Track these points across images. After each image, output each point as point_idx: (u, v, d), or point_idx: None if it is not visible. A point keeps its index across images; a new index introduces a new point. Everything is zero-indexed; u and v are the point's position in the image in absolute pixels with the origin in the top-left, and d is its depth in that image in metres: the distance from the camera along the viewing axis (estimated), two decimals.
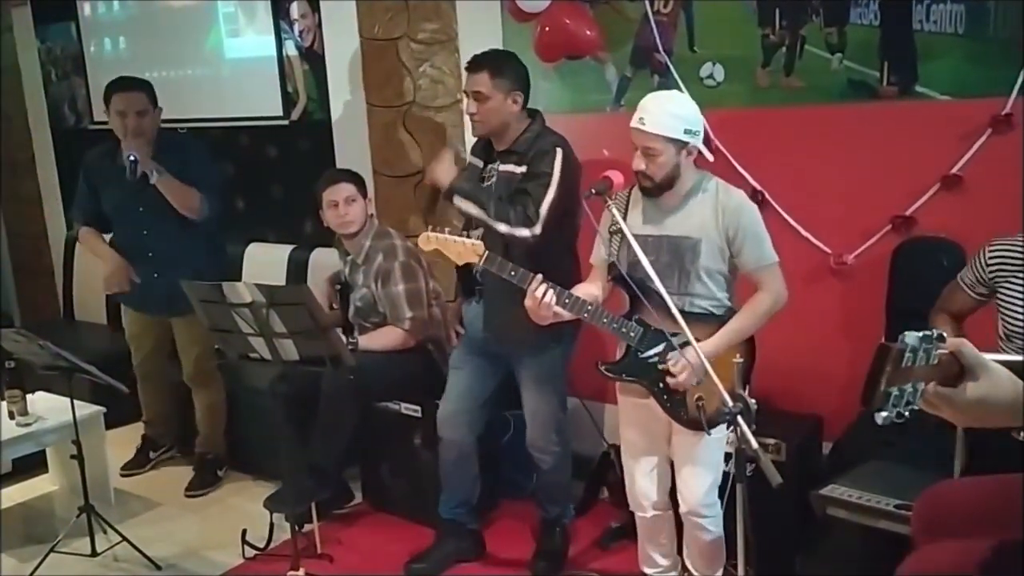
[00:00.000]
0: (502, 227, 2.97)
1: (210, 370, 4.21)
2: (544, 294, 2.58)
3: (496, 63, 3.09)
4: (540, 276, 2.62)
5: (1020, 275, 2.45)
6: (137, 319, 4.24)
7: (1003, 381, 1.30)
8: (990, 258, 2.51)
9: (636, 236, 2.55)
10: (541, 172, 3.01)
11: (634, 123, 2.59)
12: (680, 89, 3.39)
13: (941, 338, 1.27)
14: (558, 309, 2.60)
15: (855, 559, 2.73)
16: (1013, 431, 1.32)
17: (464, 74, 3.21)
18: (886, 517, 2.49)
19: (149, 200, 3.86)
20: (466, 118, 3.29)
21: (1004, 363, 1.34)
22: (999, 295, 2.50)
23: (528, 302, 2.61)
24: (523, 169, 3.05)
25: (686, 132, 2.57)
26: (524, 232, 2.96)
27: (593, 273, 2.84)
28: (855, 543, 2.67)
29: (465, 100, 3.16)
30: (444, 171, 3.10)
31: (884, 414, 1.25)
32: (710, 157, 2.68)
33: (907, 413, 1.25)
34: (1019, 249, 2.46)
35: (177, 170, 3.83)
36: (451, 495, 3.40)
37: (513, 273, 2.67)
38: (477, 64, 3.10)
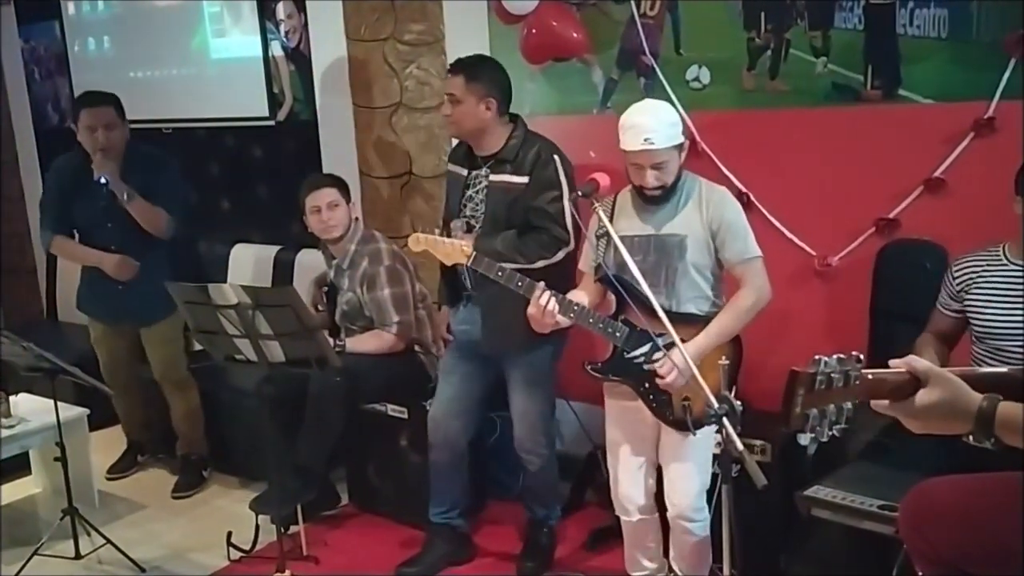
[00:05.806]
0: (540, 263, 2.98)
1: (182, 374, 4.18)
2: (548, 302, 2.60)
3: (473, 68, 3.10)
4: (543, 284, 2.64)
5: (981, 281, 2.61)
6: (101, 327, 4.20)
7: (957, 387, 1.34)
8: (956, 272, 2.67)
9: (623, 237, 2.57)
10: (549, 185, 3.02)
11: (639, 147, 2.58)
12: (666, 92, 3.41)
13: (858, 359, 1.31)
14: (560, 318, 2.62)
15: (839, 559, 2.75)
16: (963, 436, 1.35)
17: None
18: (870, 518, 2.50)
19: (117, 216, 3.87)
20: None
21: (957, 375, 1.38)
22: (967, 302, 2.63)
23: (531, 310, 2.63)
24: (524, 180, 3.04)
25: (681, 134, 2.67)
26: (560, 254, 3.01)
27: (584, 280, 2.85)
28: (840, 544, 2.69)
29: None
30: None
31: (806, 435, 1.29)
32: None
33: (834, 432, 1.28)
34: (981, 260, 2.64)
35: (145, 187, 3.85)
36: (441, 500, 3.38)
37: (500, 273, 2.69)
38: (455, 68, 3.14)
